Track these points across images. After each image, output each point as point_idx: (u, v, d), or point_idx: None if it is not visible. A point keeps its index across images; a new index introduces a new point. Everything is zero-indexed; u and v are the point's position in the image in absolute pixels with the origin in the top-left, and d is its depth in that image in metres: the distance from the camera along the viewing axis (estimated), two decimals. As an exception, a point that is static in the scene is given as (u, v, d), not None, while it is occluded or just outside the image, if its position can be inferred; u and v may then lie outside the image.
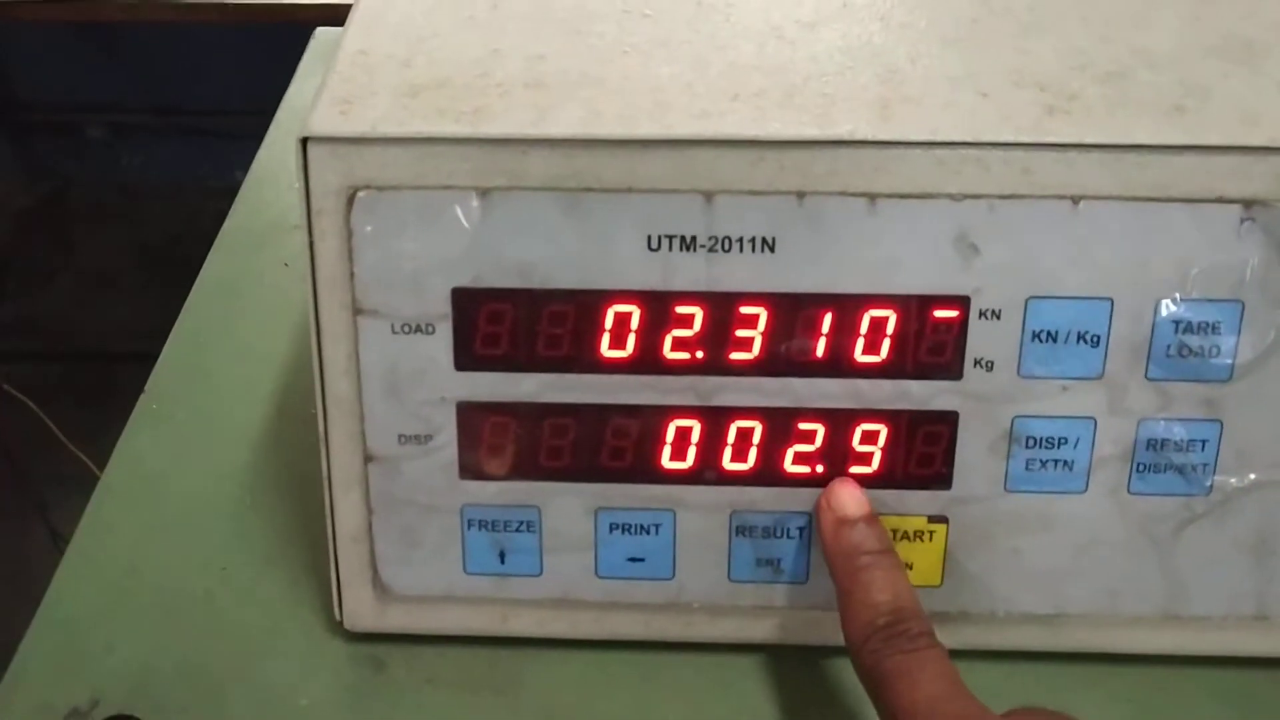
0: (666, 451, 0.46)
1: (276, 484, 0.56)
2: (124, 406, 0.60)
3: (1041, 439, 0.46)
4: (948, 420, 0.46)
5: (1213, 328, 0.44)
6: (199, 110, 2.10)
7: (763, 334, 0.45)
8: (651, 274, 0.44)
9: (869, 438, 0.46)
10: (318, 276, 0.45)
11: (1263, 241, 0.43)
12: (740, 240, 0.44)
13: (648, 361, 0.45)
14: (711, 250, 0.44)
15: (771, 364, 0.45)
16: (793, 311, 0.44)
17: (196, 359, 0.63)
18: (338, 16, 0.49)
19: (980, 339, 0.45)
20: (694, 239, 0.44)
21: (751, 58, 0.46)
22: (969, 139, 0.43)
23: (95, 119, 2.14)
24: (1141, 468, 0.46)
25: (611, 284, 0.44)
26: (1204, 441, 0.46)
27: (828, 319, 0.44)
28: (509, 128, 0.43)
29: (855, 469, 0.46)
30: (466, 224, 0.44)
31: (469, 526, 0.48)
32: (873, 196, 0.43)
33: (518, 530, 0.48)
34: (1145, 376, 0.45)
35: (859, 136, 0.43)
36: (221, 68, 2.01)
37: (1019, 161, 0.43)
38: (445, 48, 0.47)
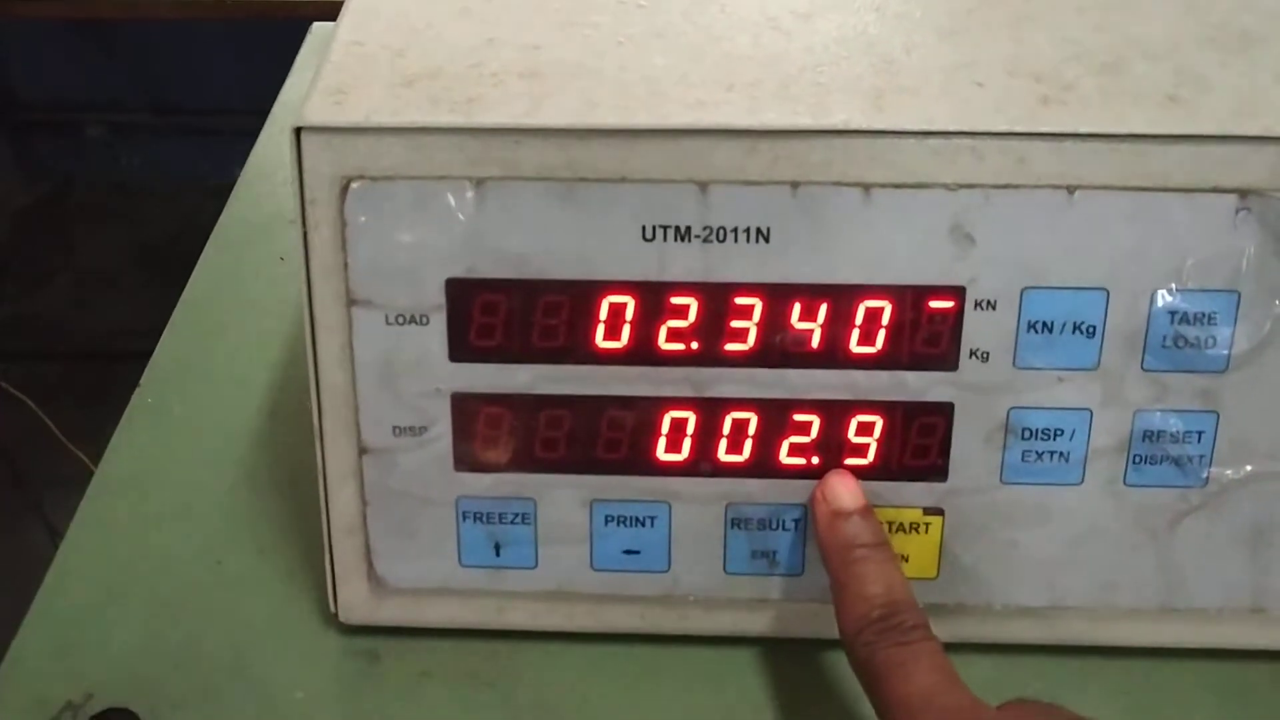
0: (661, 443, 0.46)
1: (271, 476, 0.56)
2: (123, 406, 0.60)
3: (1037, 430, 0.46)
4: (943, 412, 0.46)
5: (1209, 318, 0.44)
6: (198, 109, 2.10)
7: (758, 325, 0.45)
8: (646, 264, 0.44)
9: (864, 429, 0.46)
10: (312, 267, 0.44)
11: (1258, 231, 0.43)
12: (735, 230, 0.43)
13: (642, 352, 0.45)
14: (706, 240, 0.44)
15: (766, 355, 0.45)
16: (787, 302, 0.44)
17: (192, 353, 0.63)
18: (335, 12, 0.49)
19: (976, 330, 0.44)
20: (689, 229, 0.44)
21: (746, 48, 0.46)
22: (964, 129, 0.43)
23: (94, 118, 2.14)
24: (1137, 459, 0.46)
25: (606, 274, 0.44)
26: (1200, 433, 0.46)
27: (823, 310, 0.44)
28: (503, 118, 0.43)
29: (850, 461, 0.46)
30: (461, 214, 0.44)
31: (464, 519, 0.48)
32: (867, 187, 0.43)
33: (513, 522, 0.48)
34: (1141, 367, 0.45)
35: (854, 126, 0.43)
36: (221, 67, 2.01)
37: (1014, 151, 0.43)
38: (439, 38, 0.47)
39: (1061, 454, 0.46)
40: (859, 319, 0.44)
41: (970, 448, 0.46)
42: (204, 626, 0.50)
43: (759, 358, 0.45)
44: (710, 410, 0.46)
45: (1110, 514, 0.47)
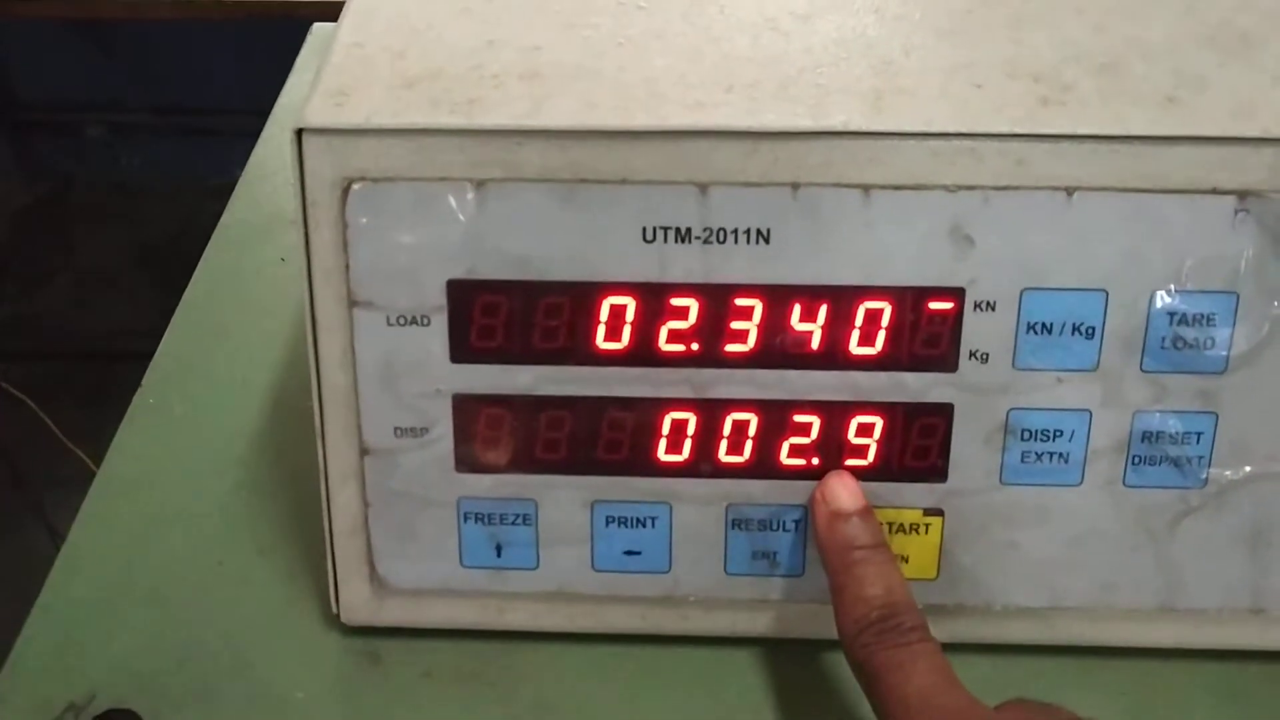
0: (662, 444, 0.46)
1: (273, 477, 0.56)
2: (123, 406, 0.60)
3: (1037, 431, 0.46)
4: (943, 413, 0.46)
5: (1208, 319, 0.44)
6: (198, 109, 2.10)
7: (758, 326, 0.45)
8: (646, 266, 0.44)
9: (864, 430, 0.46)
10: (313, 268, 0.45)
11: (1257, 233, 0.43)
12: (735, 232, 0.44)
13: (643, 354, 0.45)
14: (706, 242, 0.44)
15: (766, 356, 0.45)
16: (787, 303, 0.44)
17: (193, 353, 0.63)
18: (335, 13, 0.49)
19: (975, 331, 0.45)
20: (689, 230, 0.44)
21: (746, 49, 0.46)
22: (963, 130, 0.43)
23: (94, 118, 2.14)
24: (1137, 460, 0.46)
25: (606, 276, 0.44)
26: (1199, 434, 0.46)
27: (823, 311, 0.44)
28: (504, 119, 0.43)
29: (850, 462, 0.46)
30: (461, 216, 0.44)
31: (465, 519, 0.48)
32: (867, 188, 0.43)
33: (514, 523, 0.48)
34: (1140, 368, 0.45)
35: (853, 128, 0.43)
36: (221, 67, 2.01)
37: (1013, 153, 0.43)
38: (440, 39, 0.47)
39: (1061, 455, 0.46)
40: (859, 320, 0.44)
41: (970, 449, 0.46)
42: (206, 627, 0.50)
43: (759, 359, 0.45)
44: (711, 411, 0.46)
45: (1109, 515, 0.47)
